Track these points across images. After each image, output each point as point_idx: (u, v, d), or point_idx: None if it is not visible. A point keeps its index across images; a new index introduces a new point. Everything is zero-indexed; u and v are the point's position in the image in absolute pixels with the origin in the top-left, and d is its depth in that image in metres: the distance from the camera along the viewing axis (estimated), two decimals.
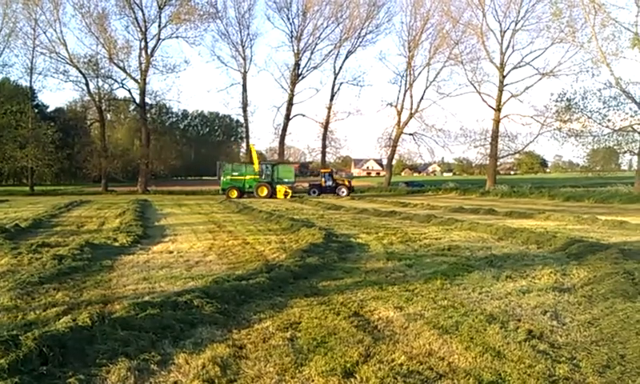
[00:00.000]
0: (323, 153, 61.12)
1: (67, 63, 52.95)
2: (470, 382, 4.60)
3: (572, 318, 6.63)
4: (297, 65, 58.09)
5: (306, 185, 51.83)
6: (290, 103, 58.51)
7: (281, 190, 43.43)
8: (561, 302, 7.46)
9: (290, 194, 43.04)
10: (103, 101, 56.31)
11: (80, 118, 62.44)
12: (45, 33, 52.82)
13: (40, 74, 54.73)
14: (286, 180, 46.52)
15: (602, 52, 36.79)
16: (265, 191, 43.36)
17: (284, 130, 59.13)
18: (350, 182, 48.45)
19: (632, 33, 35.35)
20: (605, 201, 33.83)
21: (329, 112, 60.56)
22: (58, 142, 53.78)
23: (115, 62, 52.93)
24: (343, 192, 45.29)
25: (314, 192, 45.35)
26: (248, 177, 45.09)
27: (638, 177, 37.18)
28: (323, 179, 46.90)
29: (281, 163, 51.55)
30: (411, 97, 59.13)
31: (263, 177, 44.56)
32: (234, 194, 44.46)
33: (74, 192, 50.58)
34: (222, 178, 46.84)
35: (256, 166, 45.40)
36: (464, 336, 5.83)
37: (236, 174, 46.16)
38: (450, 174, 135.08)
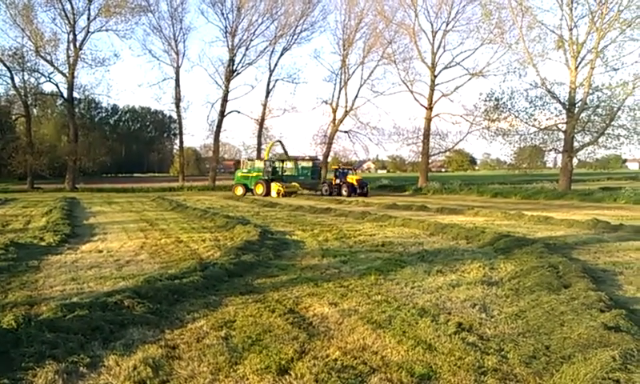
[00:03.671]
0: (259, 150, 60.52)
1: None
2: (402, 375, 4.68)
3: (500, 310, 6.86)
4: (231, 61, 57.31)
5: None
6: (225, 99, 57.63)
7: (274, 187, 40.24)
8: (489, 295, 7.71)
9: (283, 192, 39.43)
10: (29, 95, 53.85)
11: (4, 113, 59.60)
12: None
13: None
14: (301, 177, 44.96)
15: (528, 53, 38.18)
16: (261, 189, 41.08)
17: (219, 126, 58.25)
18: (360, 181, 41.38)
19: (557, 35, 36.89)
20: (531, 197, 35.16)
21: (264, 109, 60.07)
22: None
23: (42, 55, 50.69)
24: (344, 192, 39.59)
25: (326, 190, 41.68)
26: (254, 174, 43.33)
27: (563, 174, 38.78)
28: (334, 176, 42.59)
29: (294, 160, 48.60)
30: (346, 95, 59.40)
31: (264, 174, 42.41)
32: (239, 190, 42.79)
33: None
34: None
35: (261, 163, 43.78)
36: (397, 330, 5.94)
37: (246, 171, 44.69)
38: (384, 172, 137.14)
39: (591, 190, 37.58)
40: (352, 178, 40.84)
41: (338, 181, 41.11)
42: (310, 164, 47.84)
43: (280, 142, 49.43)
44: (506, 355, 5.21)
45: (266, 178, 41.70)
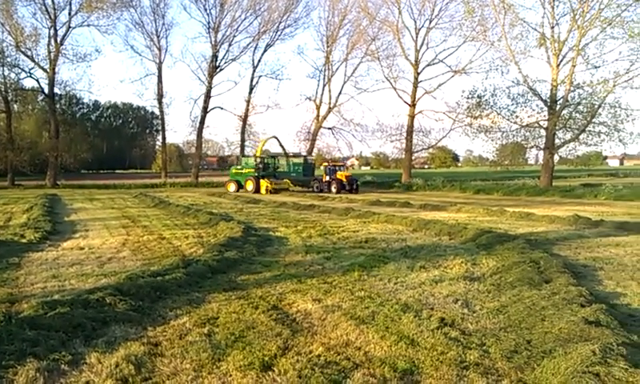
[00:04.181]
0: (242, 146, 60.35)
1: None
2: (385, 371, 4.70)
3: (482, 305, 6.91)
4: (214, 56, 56.83)
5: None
6: (208, 95, 57.19)
7: (263, 184, 39.24)
8: (471, 290, 7.76)
9: (270, 189, 38.53)
10: (9, 91, 53.01)
11: None
12: None
13: None
14: (293, 174, 44.36)
15: (510, 51, 38.34)
16: (250, 185, 40.28)
17: (202, 122, 57.77)
18: (349, 178, 39.92)
19: (539, 33, 37.05)
20: (513, 193, 35.44)
21: (247, 105, 59.73)
22: None
23: (22, 50, 49.94)
24: (333, 189, 38.58)
25: (317, 187, 40.77)
26: (246, 170, 42.57)
27: (544, 171, 39.05)
28: (324, 173, 41.12)
29: (285, 156, 47.84)
30: (330, 91, 59.44)
31: (255, 170, 41.51)
32: (230, 186, 42.38)
33: None
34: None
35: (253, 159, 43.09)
36: (380, 325, 5.96)
37: (239, 167, 44.14)
38: (368, 168, 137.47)
39: (572, 186, 38.00)
40: (341, 175, 39.93)
41: (327, 178, 40.28)
42: (301, 160, 47.19)
43: (276, 137, 48.91)
44: (487, 350, 5.25)
45: (256, 174, 41.08)
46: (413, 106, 51.72)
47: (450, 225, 15.04)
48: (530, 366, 4.80)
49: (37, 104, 71.01)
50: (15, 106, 58.55)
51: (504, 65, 40.77)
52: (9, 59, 50.71)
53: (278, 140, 48.86)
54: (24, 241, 12.61)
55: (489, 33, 41.96)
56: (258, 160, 42.67)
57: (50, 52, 51.16)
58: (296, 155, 49.37)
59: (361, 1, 53.89)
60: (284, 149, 48.75)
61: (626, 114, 35.68)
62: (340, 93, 59.17)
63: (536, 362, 4.85)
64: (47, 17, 50.66)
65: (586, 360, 4.44)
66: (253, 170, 41.86)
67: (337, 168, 41.38)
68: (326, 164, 43.04)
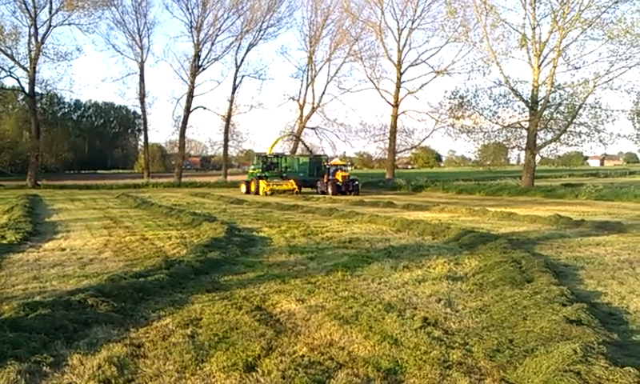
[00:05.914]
0: (225, 146, 60.25)
1: None
2: (368, 370, 4.71)
3: (464, 305, 6.95)
4: (197, 56, 56.47)
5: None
6: (191, 95, 56.86)
7: (261, 185, 37.93)
8: (454, 290, 7.81)
9: (267, 190, 37.23)
10: None
11: None
12: None
13: None
14: (300, 173, 42.72)
15: (492, 51, 38.54)
16: (253, 186, 38.98)
17: (184, 122, 57.42)
18: (346, 179, 37.89)
19: (520, 34, 37.33)
20: (495, 193, 35.72)
21: (230, 105, 59.46)
22: None
23: (2, 48, 49.27)
24: (329, 190, 37.17)
25: (319, 188, 39.05)
26: (257, 170, 41.21)
27: (526, 171, 39.36)
28: (325, 174, 39.35)
29: (289, 156, 46.49)
30: (313, 91, 59.46)
31: (262, 170, 40.37)
32: (242, 187, 41.38)
33: None
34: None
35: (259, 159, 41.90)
36: (363, 325, 5.98)
37: (253, 167, 43.01)
38: (352, 168, 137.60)
39: (553, 186, 38.39)
40: (338, 175, 37.97)
41: (327, 178, 38.75)
42: (307, 159, 45.67)
43: (297, 136, 47.95)
44: (470, 349, 5.28)
45: (258, 174, 40.16)
46: (396, 106, 51.98)
47: (433, 225, 15.12)
48: (513, 364, 4.83)
49: (17, 103, 70.29)
50: None
51: (486, 66, 40.94)
52: None
53: (299, 138, 47.98)
54: (4, 242, 12.45)
55: (471, 34, 42.18)
56: (260, 159, 41.77)
57: (30, 51, 50.62)
58: (316, 156, 47.61)
59: (344, 1, 54.15)
60: (307, 147, 48.14)
61: (606, 115, 36.08)
62: (323, 93, 59.26)
63: (518, 360, 4.88)
64: (27, 15, 50.13)
65: (567, 359, 4.49)
66: (260, 171, 40.82)
67: (337, 168, 39.62)
68: (325, 164, 42.24)
